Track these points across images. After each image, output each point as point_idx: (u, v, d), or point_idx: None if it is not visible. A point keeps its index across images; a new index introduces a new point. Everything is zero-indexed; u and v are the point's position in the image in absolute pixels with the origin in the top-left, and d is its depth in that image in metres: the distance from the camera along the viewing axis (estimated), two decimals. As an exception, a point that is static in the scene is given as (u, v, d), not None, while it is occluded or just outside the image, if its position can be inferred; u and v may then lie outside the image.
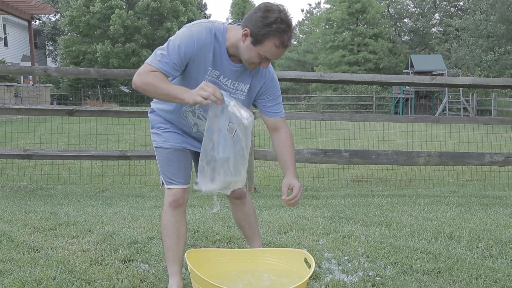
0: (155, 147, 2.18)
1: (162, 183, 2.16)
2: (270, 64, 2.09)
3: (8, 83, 13.54)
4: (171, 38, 1.96)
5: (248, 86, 2.09)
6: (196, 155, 2.16)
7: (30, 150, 4.89)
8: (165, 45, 1.94)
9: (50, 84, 18.32)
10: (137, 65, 26.70)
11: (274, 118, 2.17)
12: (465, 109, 21.24)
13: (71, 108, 4.80)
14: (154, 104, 2.21)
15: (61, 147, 7.15)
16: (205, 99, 1.77)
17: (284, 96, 29.89)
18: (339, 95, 28.42)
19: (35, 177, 5.71)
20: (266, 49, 1.88)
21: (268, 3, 1.89)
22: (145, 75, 1.90)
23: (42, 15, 32.94)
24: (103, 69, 4.84)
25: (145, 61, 1.94)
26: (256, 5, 1.93)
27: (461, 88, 20.94)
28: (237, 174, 1.88)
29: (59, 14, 33.13)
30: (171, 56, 1.90)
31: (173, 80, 2.05)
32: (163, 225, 2.11)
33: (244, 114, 1.81)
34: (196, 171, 2.14)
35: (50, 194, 4.77)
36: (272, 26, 1.84)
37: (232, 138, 1.84)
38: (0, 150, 5.06)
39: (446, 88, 21.02)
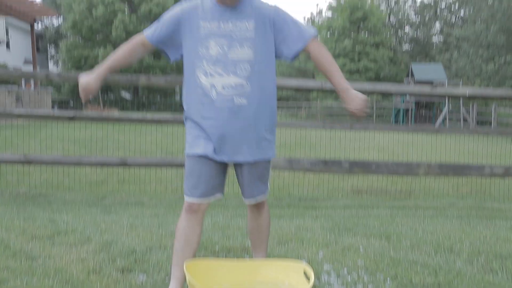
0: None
1: None
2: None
3: (10, 88, 13.58)
4: None
5: (253, 22, 2.04)
6: (223, 168, 2.13)
7: (30, 155, 4.88)
8: None
9: (51, 88, 18.35)
10: (138, 71, 26.76)
11: (306, 49, 2.14)
12: (465, 119, 21.26)
13: (72, 115, 4.81)
14: (184, 104, 2.18)
15: (61, 153, 7.15)
16: None
17: (285, 105, 29.92)
18: (340, 105, 28.43)
19: (34, 183, 5.70)
20: None
21: None
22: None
23: (45, 19, 33.09)
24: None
25: None
26: None
27: (461, 98, 20.98)
28: None
29: (61, 17, 33.20)
30: (159, 21, 2.15)
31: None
32: (176, 227, 2.13)
33: None
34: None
35: (49, 201, 4.77)
36: None
37: None
38: (0, 155, 5.07)
39: (447, 98, 21.07)
